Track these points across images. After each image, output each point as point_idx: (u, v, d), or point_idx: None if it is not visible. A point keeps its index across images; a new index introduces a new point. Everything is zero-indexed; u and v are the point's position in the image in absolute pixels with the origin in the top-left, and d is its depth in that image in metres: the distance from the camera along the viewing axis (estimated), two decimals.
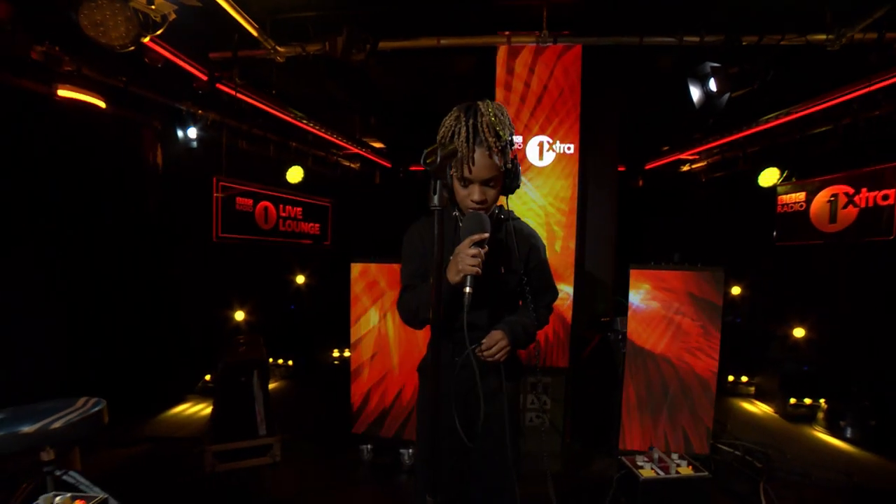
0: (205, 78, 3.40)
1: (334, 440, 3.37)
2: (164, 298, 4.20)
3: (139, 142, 4.12)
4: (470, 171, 1.35)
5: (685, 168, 5.87)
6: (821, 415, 3.97)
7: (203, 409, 4.11)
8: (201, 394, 4.45)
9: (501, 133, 1.34)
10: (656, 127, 5.49)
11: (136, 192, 4.09)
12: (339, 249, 5.83)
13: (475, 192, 1.38)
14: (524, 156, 3.39)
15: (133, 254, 3.99)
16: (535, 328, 1.56)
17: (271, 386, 4.88)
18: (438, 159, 0.93)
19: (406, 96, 4.76)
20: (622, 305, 3.32)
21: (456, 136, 1.32)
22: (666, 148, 5.78)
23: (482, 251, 1.27)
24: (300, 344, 5.38)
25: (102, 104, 3.58)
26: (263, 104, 4.29)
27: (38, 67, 3.23)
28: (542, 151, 3.40)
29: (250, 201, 5.05)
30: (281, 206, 5.59)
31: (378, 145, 7.06)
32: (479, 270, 1.26)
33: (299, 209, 5.91)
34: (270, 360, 5.14)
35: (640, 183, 6.30)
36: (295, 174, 5.33)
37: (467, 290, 1.24)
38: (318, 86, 4.43)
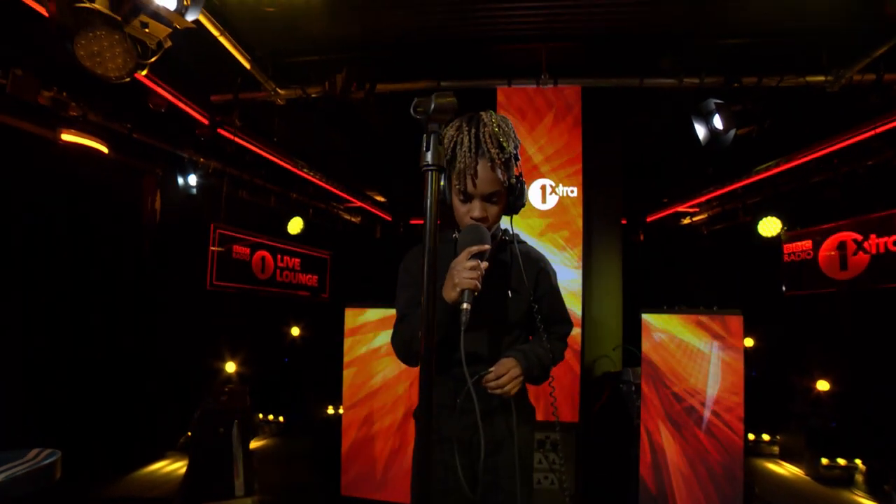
0: (206, 122, 3.44)
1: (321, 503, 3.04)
2: (151, 347, 4.00)
3: (139, 187, 4.11)
4: (473, 185, 1.23)
5: (686, 221, 5.86)
6: (860, 477, 3.63)
7: (182, 467, 3.77)
8: (184, 450, 4.12)
9: (505, 144, 1.25)
10: (656, 179, 5.55)
11: (132, 236, 4.01)
12: (337, 302, 5.68)
13: (476, 209, 1.26)
14: (527, 199, 3.36)
15: (123, 300, 3.84)
16: (551, 362, 1.39)
17: (260, 443, 4.55)
18: (432, 106, 0.81)
19: (406, 145, 4.83)
20: (633, 355, 3.13)
21: (458, 147, 1.23)
22: (665, 200, 5.81)
23: (482, 265, 1.14)
24: (293, 399, 5.08)
25: (105, 149, 3.60)
26: (265, 151, 4.33)
27: (44, 112, 3.27)
28: (544, 194, 3.37)
29: (247, 250, 4.97)
30: (279, 255, 5.51)
31: (379, 199, 7.12)
32: (479, 285, 1.12)
33: (297, 260, 5.83)
34: (261, 415, 4.83)
35: (641, 237, 6.26)
36: (295, 225, 5.30)
37: (465, 306, 1.10)
38: (319, 132, 4.52)
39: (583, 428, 2.94)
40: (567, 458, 2.90)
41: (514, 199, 1.33)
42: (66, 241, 3.50)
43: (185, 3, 1.74)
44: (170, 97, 3.27)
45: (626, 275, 3.81)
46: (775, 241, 4.43)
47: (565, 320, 1.51)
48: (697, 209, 5.60)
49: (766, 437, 4.52)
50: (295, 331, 5.58)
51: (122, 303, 3.83)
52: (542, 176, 3.36)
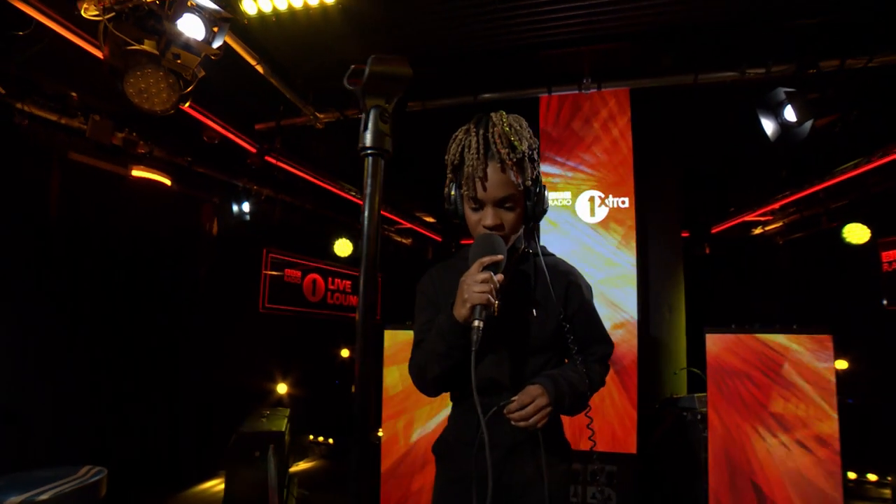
0: (254, 150, 3.60)
1: None
2: (207, 367, 4.16)
3: (198, 215, 4.36)
4: (483, 189, 1.11)
5: (757, 231, 5.34)
6: None
7: None
8: None
9: (517, 144, 1.12)
10: (720, 187, 5.13)
11: (192, 261, 4.25)
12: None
13: (488, 216, 1.13)
14: (574, 212, 3.18)
15: (181, 321, 4.05)
16: (588, 389, 1.20)
17: (308, 465, 4.57)
18: (367, 72, 0.68)
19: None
20: (699, 380, 2.82)
21: (466, 151, 1.13)
22: (732, 209, 5.34)
23: (495, 278, 1.01)
24: (343, 422, 5.09)
25: (168, 182, 3.88)
26: (313, 177, 4.47)
27: (117, 151, 3.58)
28: (592, 207, 3.19)
29: (299, 273, 5.13)
30: (330, 278, 5.65)
31: (429, 219, 7.14)
32: (492, 300, 0.99)
33: (348, 282, 5.94)
34: (311, 436, 4.86)
35: (707, 250, 5.78)
36: (343, 248, 5.40)
37: (476, 323, 0.97)
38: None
39: (641, 460, 2.66)
40: (624, 494, 2.62)
41: (532, 205, 1.18)
42: (134, 266, 3.76)
43: (213, 30, 1.82)
44: (220, 129, 3.46)
45: (690, 291, 3.49)
46: (867, 249, 3.90)
47: (604, 340, 1.32)
48: (770, 217, 5.09)
49: (872, 476, 3.89)
50: (345, 352, 5.64)
51: (181, 324, 4.03)
52: (591, 187, 3.19)
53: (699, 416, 2.71)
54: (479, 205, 1.14)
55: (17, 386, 2.94)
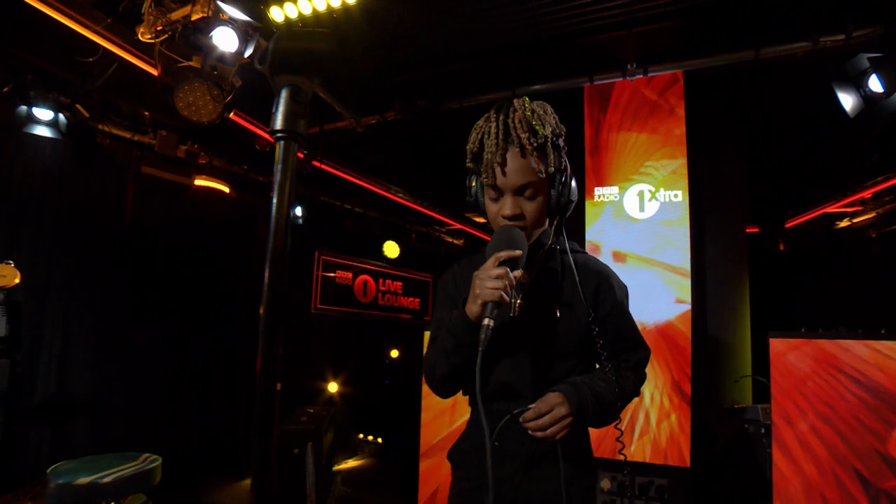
0: (301, 156, 3.74)
1: None
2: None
3: (254, 220, 4.61)
4: (502, 175, 1.05)
5: (843, 223, 4.78)
6: None
7: None
8: None
9: (538, 129, 1.05)
10: (795, 176, 4.64)
11: (246, 264, 4.49)
12: None
13: (507, 205, 1.07)
14: (622, 209, 3.01)
15: (237, 319, 4.29)
16: (618, 399, 1.09)
17: (356, 463, 4.67)
18: (271, 49, 0.64)
19: None
20: (765, 389, 2.55)
21: (485, 137, 1.07)
22: (812, 200, 4.81)
23: (514, 274, 0.95)
24: (393, 421, 5.16)
25: (227, 189, 4.15)
26: (361, 180, 4.57)
27: (181, 162, 3.87)
28: (642, 202, 3.00)
29: (349, 274, 5.27)
30: (380, 280, 5.76)
31: (480, 220, 7.10)
32: (505, 298, 0.93)
33: (399, 283, 6.02)
34: (361, 435, 4.98)
35: (781, 246, 5.25)
36: (391, 249, 5.49)
37: (485, 322, 0.92)
38: (407, 157, 4.64)
39: (695, 474, 2.45)
40: None
41: (556, 195, 1.10)
42: (197, 268, 4.05)
43: (246, 38, 1.90)
44: (269, 137, 3.62)
45: (760, 292, 3.18)
46: None
47: (638, 345, 1.20)
48: (861, 207, 4.53)
49: None
50: (395, 353, 5.72)
51: (237, 322, 4.27)
52: (639, 181, 3.00)
53: (763, 430, 2.45)
54: (499, 193, 1.08)
55: (96, 379, 3.26)
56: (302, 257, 4.84)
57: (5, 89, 2.96)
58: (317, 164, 3.99)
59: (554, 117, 1.11)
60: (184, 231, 4.03)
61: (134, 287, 3.58)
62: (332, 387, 4.79)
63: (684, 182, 2.91)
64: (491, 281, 0.94)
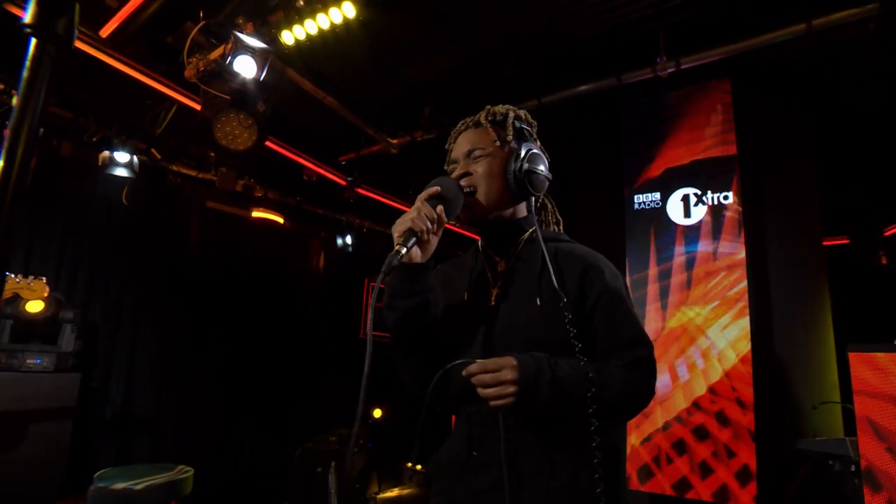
0: (344, 183, 3.90)
1: None
2: (309, 390, 4.48)
3: (307, 249, 4.84)
4: (455, 143, 1.12)
5: None
6: None
7: None
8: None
9: (500, 112, 1.09)
10: (884, 177, 4.04)
11: (300, 292, 4.68)
12: None
13: (458, 168, 1.08)
14: (664, 214, 2.79)
15: (292, 344, 4.45)
16: (592, 399, 0.89)
17: (399, 492, 4.47)
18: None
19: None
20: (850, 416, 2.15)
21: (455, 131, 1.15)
22: None
23: (434, 209, 0.96)
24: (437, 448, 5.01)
25: (282, 220, 4.41)
26: (402, 204, 4.67)
27: (239, 196, 4.19)
28: (687, 206, 2.78)
29: None
30: None
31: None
32: (419, 225, 0.93)
33: None
34: (409, 464, 4.86)
35: (884, 260, 4.53)
36: None
37: (397, 247, 0.92)
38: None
39: None
40: None
41: (517, 164, 1.03)
42: (254, 295, 4.29)
43: (263, 65, 2.05)
44: (314, 167, 3.85)
45: (856, 310, 2.73)
46: None
47: (637, 341, 0.99)
48: None
49: None
50: None
51: (292, 347, 4.43)
52: (684, 184, 2.79)
53: (853, 468, 2.05)
54: (456, 164, 1.11)
55: (157, 399, 3.50)
56: (352, 286, 4.98)
57: (94, 139, 3.42)
58: (361, 191, 4.14)
59: (523, 112, 1.14)
60: (243, 260, 4.30)
61: (194, 313, 3.86)
62: (377, 412, 4.76)
63: (735, 181, 2.65)
64: (412, 213, 0.95)
